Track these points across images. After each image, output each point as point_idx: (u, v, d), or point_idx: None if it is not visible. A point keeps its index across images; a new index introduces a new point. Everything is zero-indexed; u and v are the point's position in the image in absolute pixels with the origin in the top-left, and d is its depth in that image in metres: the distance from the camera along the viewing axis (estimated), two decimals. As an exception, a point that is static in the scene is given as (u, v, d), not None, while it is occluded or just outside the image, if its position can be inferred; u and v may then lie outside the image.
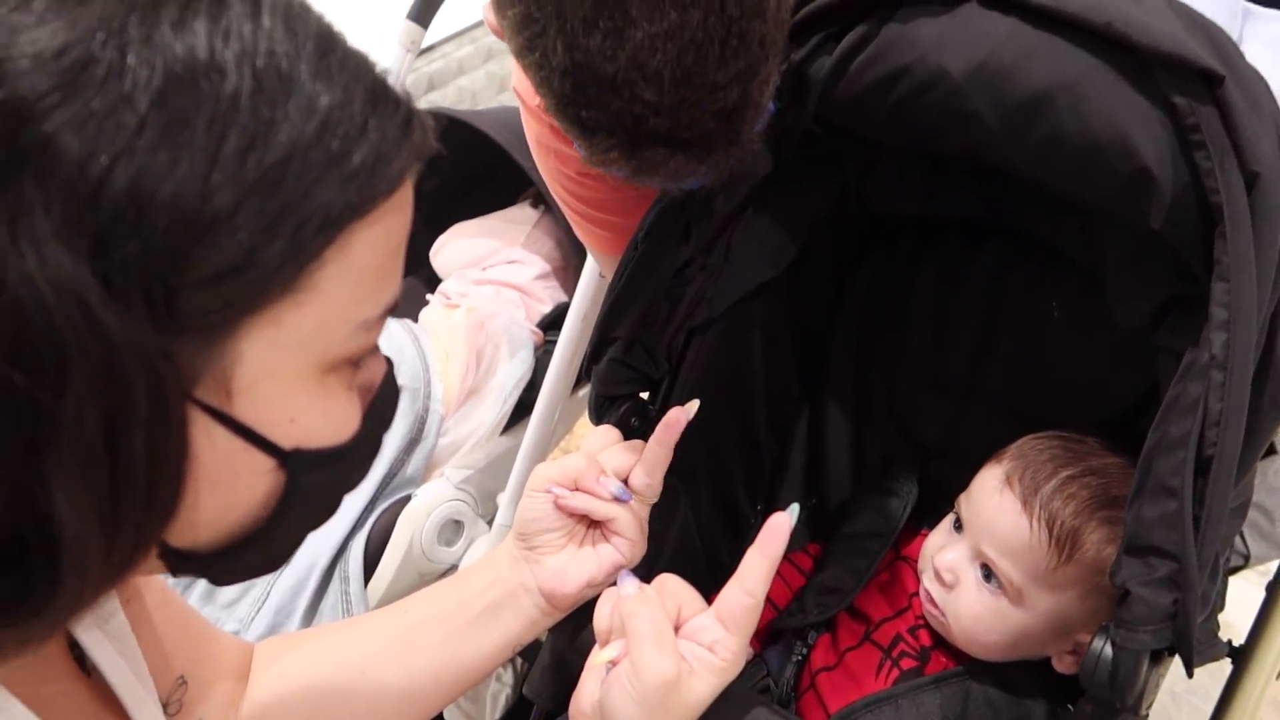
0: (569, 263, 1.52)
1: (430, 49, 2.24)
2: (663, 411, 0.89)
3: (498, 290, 1.46)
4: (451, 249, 1.54)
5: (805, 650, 0.86)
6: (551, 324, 1.43)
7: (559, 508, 0.71)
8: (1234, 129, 0.56)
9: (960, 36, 0.66)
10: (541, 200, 1.53)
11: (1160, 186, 0.59)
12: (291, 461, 0.45)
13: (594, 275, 1.29)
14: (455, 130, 1.45)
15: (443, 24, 2.09)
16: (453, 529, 1.30)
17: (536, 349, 1.41)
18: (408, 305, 1.54)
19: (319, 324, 0.42)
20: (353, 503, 1.28)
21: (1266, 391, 0.58)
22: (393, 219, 0.44)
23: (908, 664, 0.80)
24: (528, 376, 1.37)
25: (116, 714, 0.56)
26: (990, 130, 0.66)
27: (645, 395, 0.90)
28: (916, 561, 0.86)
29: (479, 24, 2.34)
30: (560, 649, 0.88)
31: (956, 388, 0.93)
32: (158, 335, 0.38)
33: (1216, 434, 0.56)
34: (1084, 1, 0.61)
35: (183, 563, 0.46)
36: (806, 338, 0.98)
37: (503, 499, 1.29)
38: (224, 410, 0.42)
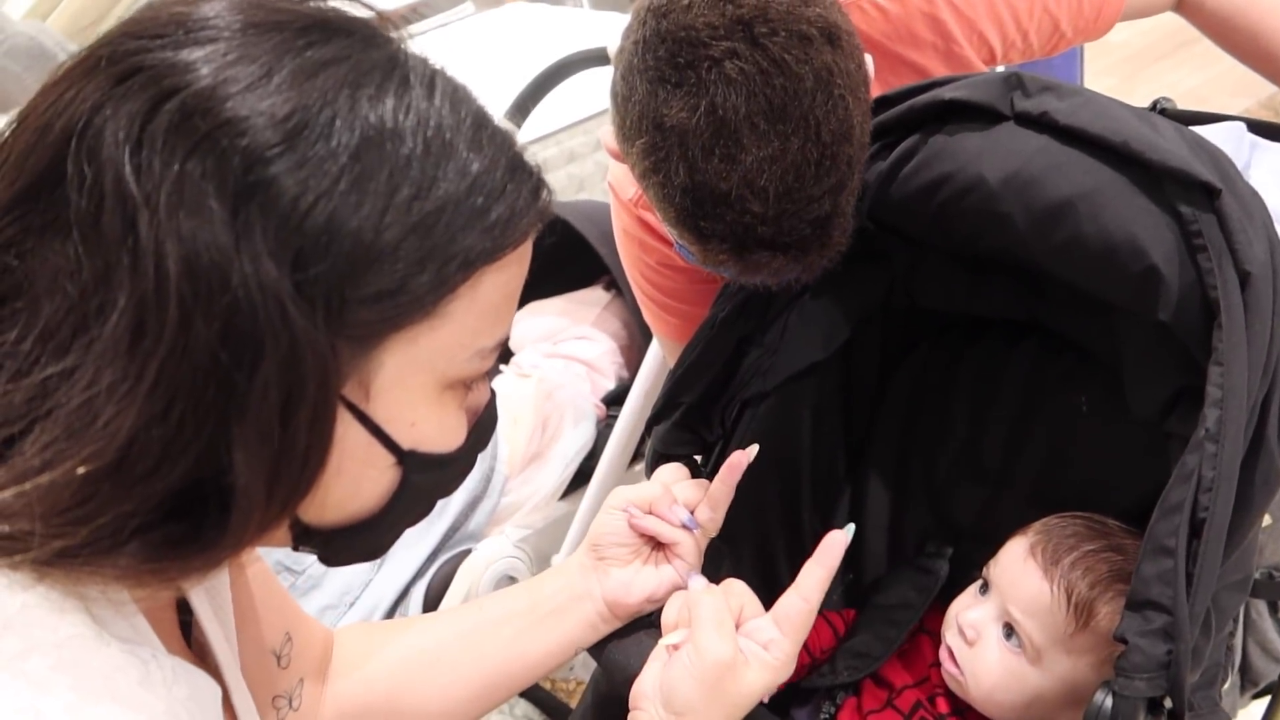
0: (634, 343, 1.62)
1: (518, 149, 2.40)
2: (713, 474, 0.97)
3: (567, 364, 1.56)
4: (526, 324, 1.65)
5: (833, 710, 0.91)
6: (615, 400, 1.52)
7: (632, 526, 0.79)
8: (1230, 234, 0.65)
9: (997, 149, 0.76)
10: (614, 285, 1.64)
11: (1167, 283, 0.67)
12: (408, 461, 0.54)
13: (657, 357, 1.39)
14: (539, 218, 1.58)
15: (531, 128, 2.26)
16: (508, 584, 1.37)
17: (599, 421, 1.50)
18: (481, 376, 1.64)
19: (446, 346, 0.51)
20: (416, 552, 1.36)
21: (1259, 470, 0.65)
22: (515, 268, 0.54)
23: (927, 728, 0.85)
24: (589, 446, 1.45)
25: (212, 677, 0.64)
26: (1020, 232, 0.75)
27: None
28: (938, 633, 0.91)
29: (564, 129, 2.51)
30: (603, 691, 0.94)
31: (991, 475, 1.00)
32: (328, 337, 0.47)
33: (1209, 499, 0.62)
34: (1105, 123, 0.70)
35: (307, 536, 0.55)
36: (853, 421, 1.06)
37: (556, 560, 1.36)
38: (362, 408, 0.51)
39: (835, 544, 0.76)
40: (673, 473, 0.84)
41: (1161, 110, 0.92)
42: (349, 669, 0.79)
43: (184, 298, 0.44)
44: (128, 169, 0.44)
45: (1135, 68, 3.49)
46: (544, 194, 0.54)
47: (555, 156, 2.56)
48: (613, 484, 1.41)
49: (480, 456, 1.44)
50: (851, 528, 0.78)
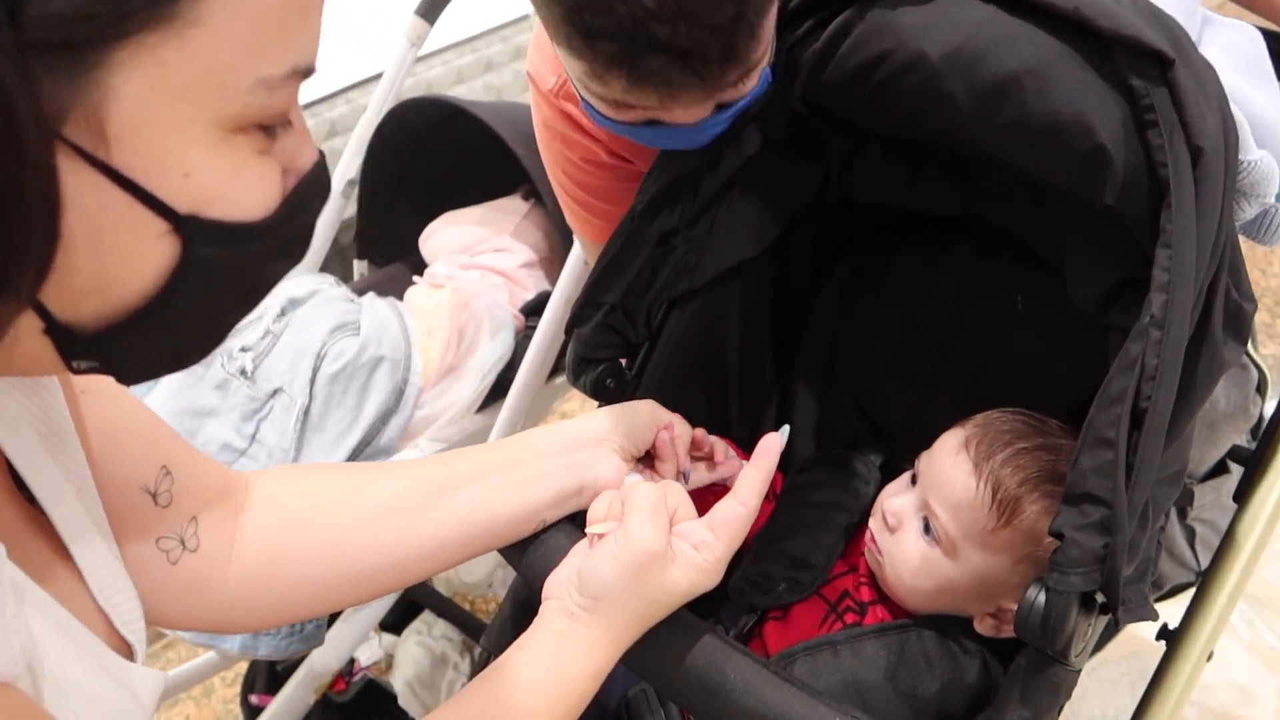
0: (555, 254, 1.55)
1: (431, 55, 2.29)
2: (639, 375, 0.93)
3: (483, 275, 1.49)
4: (441, 235, 1.57)
5: (759, 614, 0.89)
6: (533, 310, 1.46)
7: (659, 439, 0.78)
8: (1182, 108, 0.61)
9: (940, 23, 0.71)
10: (534, 193, 1.57)
11: (1115, 163, 0.64)
12: (188, 227, 0.42)
13: (578, 264, 1.33)
14: (455, 120, 1.49)
15: (446, 34, 2.14)
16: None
17: (517, 333, 1.44)
18: (394, 288, 1.57)
19: (208, 69, 0.39)
20: (325, 468, 1.30)
21: (1202, 356, 0.63)
22: None
23: (850, 618, 0.83)
24: (507, 357, 1.39)
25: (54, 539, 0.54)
26: (962, 112, 0.71)
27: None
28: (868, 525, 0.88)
29: (480, 35, 2.39)
30: (521, 599, 0.90)
31: (921, 376, 0.97)
32: (2, 46, 0.35)
33: (1151, 388, 0.60)
34: (1054, -9, 0.66)
35: (71, 343, 0.43)
36: (783, 322, 1.02)
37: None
38: (98, 155, 0.39)
39: (772, 446, 0.74)
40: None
41: None
42: (276, 511, 0.71)
43: None
44: None
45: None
46: None
47: (471, 65, 2.45)
48: (530, 396, 1.36)
49: (394, 368, 1.38)
50: (786, 429, 0.77)
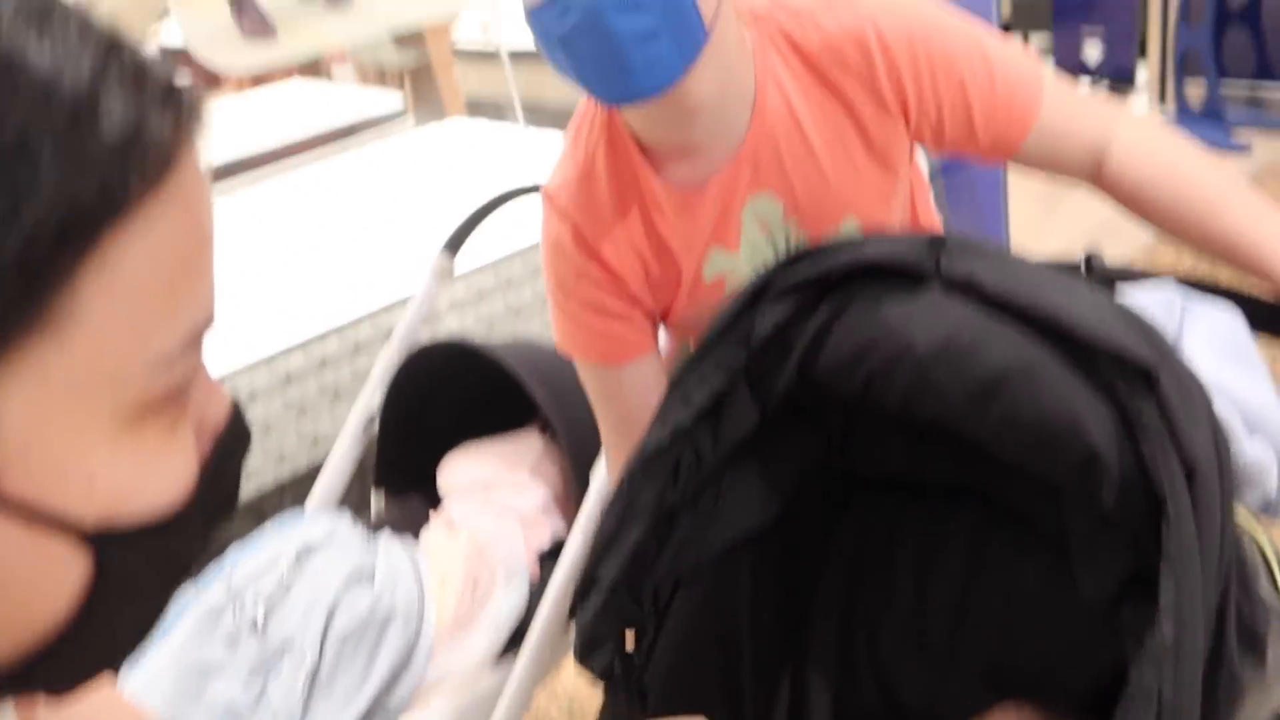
0: (571, 492, 1.55)
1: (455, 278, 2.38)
2: (648, 658, 0.90)
3: (499, 518, 1.48)
4: (458, 471, 1.57)
5: None
6: (550, 555, 1.44)
7: None
8: (1171, 421, 0.60)
9: (924, 314, 0.72)
10: (549, 427, 1.58)
11: (1109, 469, 0.63)
12: (99, 540, 0.36)
13: (594, 511, 1.32)
14: (469, 359, 1.53)
15: (470, 259, 2.23)
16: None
17: (532, 581, 1.41)
18: (410, 525, 1.56)
19: (96, 367, 0.34)
20: (333, 732, 1.25)
21: (1221, 681, 0.59)
22: (174, 219, 0.35)
23: None
24: (521, 609, 1.36)
25: None
26: (954, 404, 0.71)
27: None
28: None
29: (502, 260, 2.50)
30: None
31: (938, 649, 0.93)
32: None
33: (1171, 720, 0.56)
34: (1032, 293, 0.67)
35: None
36: (793, 592, 0.99)
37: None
38: None
39: None
40: None
41: (1089, 263, 0.89)
42: None
43: None
44: None
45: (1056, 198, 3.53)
46: (183, 99, 0.35)
47: (492, 284, 2.55)
48: (547, 650, 1.32)
49: (406, 621, 1.34)
50: None
